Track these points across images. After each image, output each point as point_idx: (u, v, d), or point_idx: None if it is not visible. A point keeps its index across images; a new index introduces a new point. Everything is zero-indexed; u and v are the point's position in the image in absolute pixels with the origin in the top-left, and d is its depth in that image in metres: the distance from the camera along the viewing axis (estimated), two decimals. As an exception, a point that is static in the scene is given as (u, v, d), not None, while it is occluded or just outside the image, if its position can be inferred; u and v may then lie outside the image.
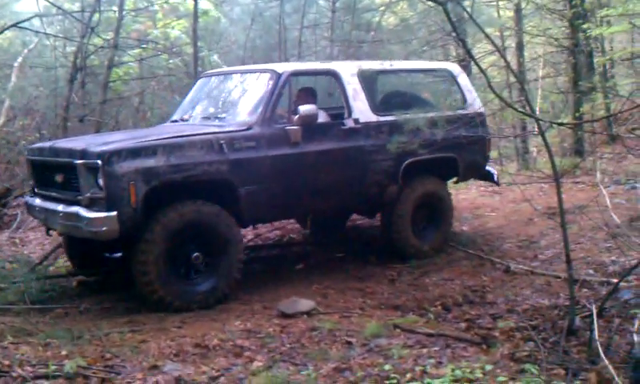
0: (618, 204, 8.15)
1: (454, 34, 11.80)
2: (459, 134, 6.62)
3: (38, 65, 13.56)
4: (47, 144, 6.72)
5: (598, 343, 3.92)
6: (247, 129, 6.08)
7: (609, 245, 6.60)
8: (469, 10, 5.66)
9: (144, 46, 12.80)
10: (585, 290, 5.46)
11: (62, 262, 7.03)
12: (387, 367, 4.07)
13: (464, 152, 7.17)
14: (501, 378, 3.82)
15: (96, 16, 10.65)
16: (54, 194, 6.03)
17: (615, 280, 5.18)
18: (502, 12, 17.56)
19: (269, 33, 12.51)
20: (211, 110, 7.06)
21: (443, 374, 3.92)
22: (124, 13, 11.05)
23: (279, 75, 6.36)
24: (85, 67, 11.05)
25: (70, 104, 11.32)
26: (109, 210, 5.31)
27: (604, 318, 4.77)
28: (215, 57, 13.02)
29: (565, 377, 3.85)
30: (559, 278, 5.92)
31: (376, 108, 6.90)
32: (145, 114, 13.27)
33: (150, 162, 5.47)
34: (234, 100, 6.88)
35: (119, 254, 6.56)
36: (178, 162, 5.59)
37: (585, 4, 12.64)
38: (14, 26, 9.48)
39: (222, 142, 5.83)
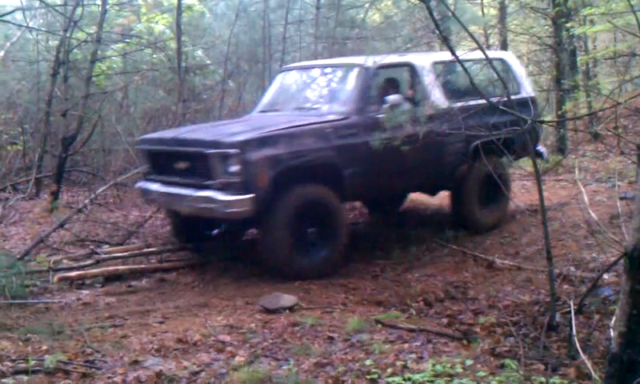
0: (600, 201, 8.24)
1: (437, 32, 11.86)
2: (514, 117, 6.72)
3: (21, 58, 13.44)
4: (169, 134, 7.59)
5: (576, 339, 3.96)
6: (345, 118, 6.80)
7: (589, 242, 6.66)
8: (452, 7, 5.70)
9: (127, 40, 12.72)
10: (566, 286, 5.50)
11: (44, 257, 6.97)
12: (368, 362, 4.08)
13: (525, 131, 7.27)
14: (481, 373, 3.84)
15: (79, 10, 10.57)
16: (176, 179, 6.75)
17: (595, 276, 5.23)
18: (485, 10, 17.63)
19: (253, 28, 12.50)
20: (302, 101, 7.68)
21: (424, 368, 3.93)
22: (107, 7, 10.95)
23: (368, 69, 7.08)
24: (67, 61, 10.95)
25: (52, 98, 11.23)
26: (244, 192, 6.05)
27: (584, 314, 4.81)
28: (199, 52, 12.97)
29: (544, 372, 3.88)
30: (541, 272, 5.96)
31: (447, 95, 7.49)
32: (128, 108, 13.19)
33: (275, 150, 6.21)
34: (325, 92, 7.62)
35: (217, 231, 7.68)
36: (297, 149, 6.35)
37: (568, 3, 12.71)
38: (-4, 19, 9.39)
39: (328, 130, 6.59)
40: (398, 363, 4.05)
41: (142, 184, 7.48)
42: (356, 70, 7.20)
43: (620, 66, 13.62)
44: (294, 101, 7.78)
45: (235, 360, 4.23)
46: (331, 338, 4.65)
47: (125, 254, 7.16)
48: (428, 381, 3.74)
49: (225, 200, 6.09)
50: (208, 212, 6.40)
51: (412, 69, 7.56)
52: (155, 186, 7.04)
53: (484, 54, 5.22)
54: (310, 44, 12.41)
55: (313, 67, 8.22)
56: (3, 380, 3.80)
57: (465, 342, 4.53)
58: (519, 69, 8.57)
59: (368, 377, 3.88)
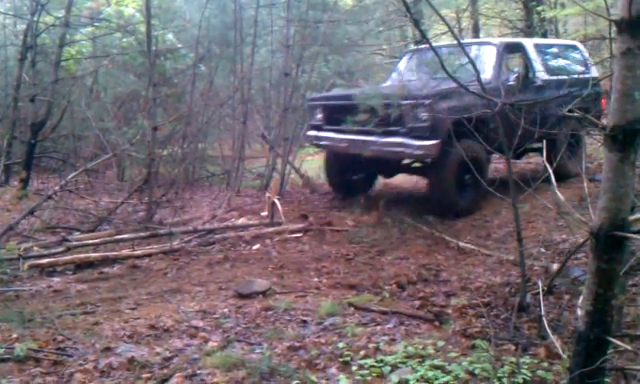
0: (570, 183, 8.36)
1: (409, 15, 11.84)
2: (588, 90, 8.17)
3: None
4: (353, 91, 8.92)
5: (545, 319, 4.01)
6: (488, 83, 7.62)
7: (560, 223, 6.75)
8: (424, -10, 5.74)
9: (96, 24, 12.51)
10: (536, 267, 5.58)
11: (14, 245, 6.87)
12: (341, 345, 4.11)
13: (591, 103, 9.01)
14: (452, 354, 3.89)
15: (47, -7, 10.36)
16: (356, 128, 8.18)
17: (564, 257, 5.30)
18: (458, -7, 17.66)
19: (224, 12, 12.33)
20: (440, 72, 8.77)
21: (396, 350, 3.96)
22: (75, -10, 10.77)
23: (499, 46, 8.95)
24: (35, 46, 10.76)
25: (20, 83, 11.03)
26: (431, 138, 7.49)
27: (554, 295, 4.89)
28: (170, 36, 12.79)
29: (515, 352, 3.93)
30: (507, 256, 6.04)
31: (546, 71, 9.26)
32: (98, 93, 13.00)
33: (452, 103, 7.37)
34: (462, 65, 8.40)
35: (359, 176, 9.53)
36: (463, 104, 7.27)
37: (539, -14, 12.83)
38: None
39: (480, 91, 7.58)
40: (371, 345, 4.09)
41: (313, 133, 9.25)
42: (491, 47, 8.98)
43: (590, 49, 13.76)
44: (427, 74, 8.84)
45: (208, 345, 4.23)
46: (304, 322, 4.67)
47: (96, 240, 7.09)
48: (400, 362, 3.78)
49: (415, 144, 7.58)
50: (396, 154, 7.99)
51: (523, 48, 9.36)
52: (329, 134, 8.86)
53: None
54: (282, 27, 12.29)
55: (439, 47, 9.27)
56: (-28, 369, 3.76)
57: (437, 323, 4.58)
58: (587, 54, 10.25)
59: (341, 359, 3.92)
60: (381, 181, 10.13)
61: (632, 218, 2.75)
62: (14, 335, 4.39)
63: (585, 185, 3.99)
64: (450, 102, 7.44)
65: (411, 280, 5.67)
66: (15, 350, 4.02)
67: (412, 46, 13.69)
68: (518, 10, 18.33)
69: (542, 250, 6.11)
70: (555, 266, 5.33)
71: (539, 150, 9.04)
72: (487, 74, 8.44)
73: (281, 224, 7.90)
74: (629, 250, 3.22)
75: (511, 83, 8.25)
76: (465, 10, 18.18)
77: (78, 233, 7.61)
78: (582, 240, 5.26)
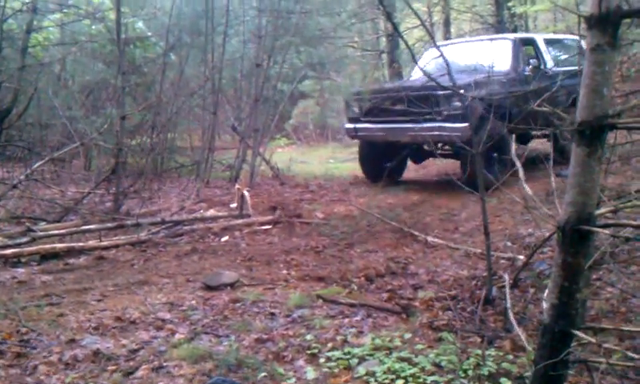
0: (536, 177, 8.45)
1: (381, 8, 11.87)
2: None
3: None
4: (389, 85, 11.01)
5: (511, 312, 4.06)
6: (507, 74, 9.31)
7: (526, 217, 6.83)
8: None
9: (65, 10, 12.29)
10: (502, 261, 5.64)
11: (-24, 235, 6.75)
12: (309, 337, 4.12)
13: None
14: (419, 346, 3.92)
15: (13, -23, 10.15)
16: (394, 117, 9.30)
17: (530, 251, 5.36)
18: (429, -13, 17.75)
19: (196, 0, 12.22)
20: (462, 66, 9.30)
21: (364, 343, 3.98)
22: (43, -25, 10.57)
23: (515, 41, 10.01)
24: (1, 32, 10.53)
25: (-16, 70, 10.80)
26: (464, 122, 8.35)
27: (520, 288, 4.94)
28: (140, 24, 12.63)
29: (480, 344, 3.97)
30: (474, 250, 6.09)
31: (554, 63, 10.13)
32: (66, 81, 12.79)
33: (480, 91, 7.58)
34: (482, 58, 8.96)
35: (391, 164, 10.16)
36: (489, 91, 7.74)
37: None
38: None
39: (503, 80, 8.87)
40: (339, 338, 4.11)
41: (351, 125, 10.14)
42: (507, 41, 10.02)
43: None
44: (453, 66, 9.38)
45: (175, 337, 4.20)
46: (272, 314, 4.66)
47: (62, 231, 6.98)
48: (367, 354, 3.80)
49: (451, 127, 8.49)
50: (434, 138, 8.77)
51: (534, 42, 10.41)
52: (367, 125, 9.84)
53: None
54: (254, 17, 12.22)
55: (461, 42, 10.77)
56: None
57: (404, 316, 4.60)
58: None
59: (308, 352, 3.92)
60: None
61: (598, 212, 2.79)
62: (-23, 326, 4.32)
63: (552, 179, 4.03)
64: (479, 91, 7.80)
65: (379, 273, 5.69)
66: (-22, 342, 3.96)
67: (382, 42, 13.75)
68: (488, 6, 18.48)
69: (509, 243, 6.18)
70: (521, 260, 5.39)
71: (546, 136, 9.72)
72: (506, 65, 9.42)
73: (250, 216, 7.88)
74: (593, 244, 3.27)
75: (527, 73, 9.40)
76: (436, 4, 18.27)
77: (43, 223, 7.49)
78: (547, 234, 5.34)
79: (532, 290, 4.90)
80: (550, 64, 10.09)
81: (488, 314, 4.57)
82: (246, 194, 8.05)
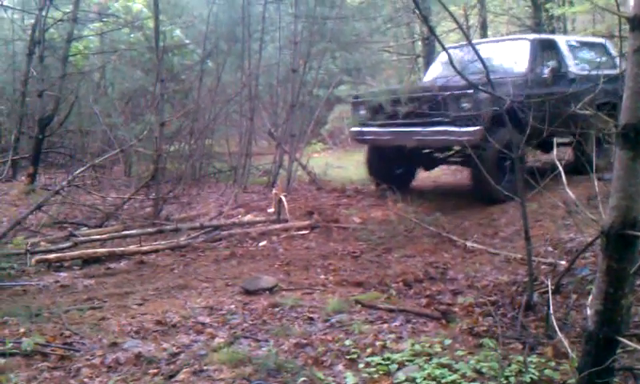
0: (576, 181, 8.31)
1: (417, 12, 11.82)
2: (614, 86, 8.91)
3: (-5, 38, 13.21)
4: (396, 87, 9.91)
5: (553, 318, 3.99)
6: (524, 76, 8.79)
7: (567, 222, 6.72)
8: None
9: (104, 19, 12.52)
10: (543, 266, 5.55)
11: (21, 240, 6.90)
12: (348, 342, 4.10)
13: (619, 99, 8.74)
14: (459, 352, 3.87)
15: (55, -13, 10.38)
16: (400, 121, 8.75)
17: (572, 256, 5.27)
18: (466, -10, 17.62)
19: (232, 7, 12.33)
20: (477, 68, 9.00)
21: (403, 348, 3.95)
22: (84, -15, 10.79)
23: (534, 41, 9.49)
24: (43, 41, 10.77)
25: (28, 78, 11.06)
26: (475, 125, 7.80)
27: (562, 294, 4.85)
28: (178, 31, 12.80)
29: (522, 351, 3.91)
30: (514, 256, 6.01)
31: (577, 66, 9.59)
32: (106, 89, 13.03)
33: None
34: (498, 60, 9.33)
35: (401, 170, 10.02)
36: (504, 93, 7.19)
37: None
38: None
39: (519, 83, 8.23)
40: (378, 343, 4.08)
41: (357, 128, 9.80)
42: (526, 42, 9.52)
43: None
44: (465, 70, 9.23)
45: (215, 341, 4.23)
46: (311, 319, 4.66)
47: (103, 236, 7.10)
48: (407, 360, 3.77)
49: (460, 131, 8.02)
50: (441, 142, 8.57)
51: (555, 44, 9.85)
52: (373, 129, 9.39)
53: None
54: (290, 23, 12.27)
55: (476, 43, 9.74)
56: (-20, 363, 3.77)
57: (443, 321, 4.55)
58: (613, 51, 10.52)
59: (347, 357, 3.90)
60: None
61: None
62: (22, 330, 4.40)
63: (595, 183, 3.96)
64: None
65: (418, 278, 5.65)
66: (23, 344, 4.03)
67: (418, 45, 13.74)
68: (526, 8, 18.28)
69: (550, 248, 6.08)
70: (563, 265, 5.31)
71: (569, 144, 9.43)
72: (522, 67, 9.02)
73: (287, 221, 7.90)
74: (638, 249, 3.21)
75: (545, 76, 8.89)
76: (473, 6, 18.13)
77: (85, 228, 7.63)
78: (590, 239, 5.24)
79: (574, 296, 4.81)
80: (572, 67, 9.58)
81: (529, 320, 4.50)
82: (283, 199, 8.09)
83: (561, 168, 4.11)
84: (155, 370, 3.79)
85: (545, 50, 9.70)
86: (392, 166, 9.96)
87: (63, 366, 3.88)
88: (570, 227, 6.58)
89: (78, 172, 8.90)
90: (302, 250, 6.93)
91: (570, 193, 3.87)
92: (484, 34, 19.05)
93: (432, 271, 5.85)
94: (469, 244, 6.63)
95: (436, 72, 10.28)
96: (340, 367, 3.80)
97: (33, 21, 11.33)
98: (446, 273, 5.84)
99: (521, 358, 3.66)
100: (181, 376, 3.71)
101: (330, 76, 14.18)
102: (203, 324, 4.57)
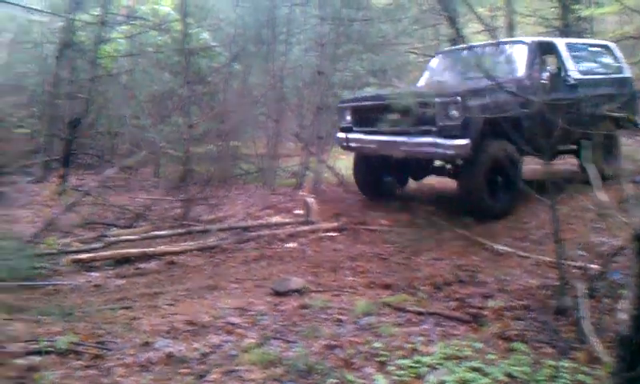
0: (607, 185, 8.22)
1: (444, 13, 11.78)
2: (621, 91, 9.26)
3: (26, 41, 13.40)
4: (382, 92, 9.14)
5: (584, 322, 3.96)
6: (520, 81, 8.13)
7: (598, 225, 6.65)
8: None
9: (132, 22, 12.66)
10: (574, 270, 5.50)
11: (53, 240, 7.00)
12: (377, 344, 4.10)
13: (625, 105, 9.17)
14: (490, 356, 3.86)
15: (84, -9, 10.52)
16: (386, 129, 7.91)
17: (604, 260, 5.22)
18: (493, -9, 17.50)
19: (258, 10, 12.40)
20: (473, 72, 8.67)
21: (433, 351, 3.94)
22: (112, -12, 10.92)
23: (531, 45, 8.78)
24: (72, 43, 10.92)
25: (58, 81, 11.21)
26: (463, 137, 7.26)
27: (594, 298, 4.81)
28: (205, 34, 12.90)
29: (554, 355, 3.89)
30: (545, 259, 5.96)
31: (579, 70, 9.17)
32: (134, 91, 13.16)
33: (484, 101, 7.32)
34: (494, 64, 8.55)
35: (390, 178, 9.44)
36: (496, 101, 7.37)
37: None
38: (1, 1, 9.36)
39: (513, 89, 7.52)
40: (407, 346, 4.07)
41: (343, 135, 9.08)
42: (523, 46, 8.81)
43: (627, 48, 13.54)
44: (458, 75, 9.09)
45: (245, 342, 4.25)
46: (340, 321, 4.66)
47: (134, 237, 7.18)
48: (437, 363, 3.76)
49: (446, 143, 7.36)
50: (427, 154, 7.87)
51: (555, 47, 9.23)
52: (359, 136, 8.75)
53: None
54: (316, 25, 12.31)
55: (471, 47, 9.60)
56: (16, 360, 3.82)
57: (474, 325, 4.54)
58: (620, 54, 10.21)
59: (377, 359, 3.90)
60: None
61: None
62: (55, 328, 4.45)
63: (625, 187, 3.92)
64: (483, 100, 7.40)
65: (447, 281, 5.63)
66: (57, 343, 4.08)
67: (444, 46, 13.72)
68: (553, 9, 18.09)
69: (581, 252, 6.02)
70: (594, 269, 5.25)
71: (573, 152, 9.14)
72: (519, 72, 8.45)
73: (315, 223, 7.92)
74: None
75: (544, 82, 8.22)
76: (500, 8, 18.00)
77: (115, 229, 7.73)
78: (622, 243, 5.19)
79: (606, 300, 4.76)
80: (573, 72, 9.05)
81: (560, 324, 4.47)
82: (311, 200, 8.11)
83: (591, 172, 4.06)
84: (186, 370, 3.82)
85: (544, 54, 9.30)
86: (380, 175, 9.42)
87: (96, 364, 3.92)
88: (600, 230, 6.51)
89: (108, 173, 9.01)
90: (330, 251, 6.94)
91: (604, 196, 3.83)
92: (511, 36, 18.91)
93: (461, 274, 5.83)
94: (499, 247, 6.58)
95: (430, 76, 9.91)
96: (370, 369, 3.80)
97: (62, 24, 11.48)
98: (476, 276, 5.81)
99: (553, 363, 3.64)
100: (212, 376, 3.74)
101: (356, 77, 14.16)
102: (233, 324, 4.59)
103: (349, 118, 9.00)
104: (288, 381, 3.61)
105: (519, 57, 8.68)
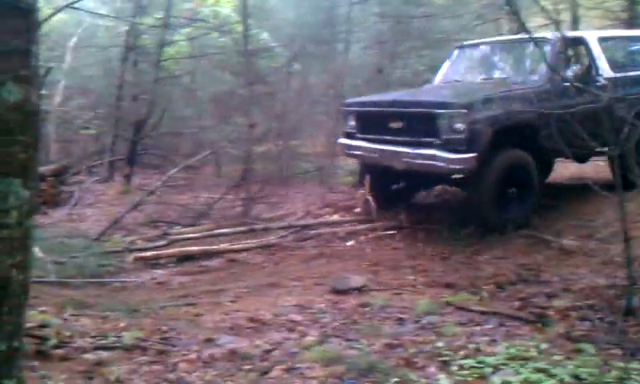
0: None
1: (507, 8, 11.55)
2: None
3: (92, 45, 13.79)
4: (386, 97, 8.32)
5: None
6: (541, 86, 7.40)
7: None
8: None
9: (194, 24, 12.87)
10: (643, 269, 5.32)
11: (119, 238, 7.20)
12: (440, 344, 4.04)
13: None
14: (556, 357, 3.76)
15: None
16: (388, 138, 7.44)
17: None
18: (557, -15, 17.06)
19: (318, 9, 12.43)
20: (489, 72, 8.30)
21: (497, 351, 3.87)
22: (174, -8, 11.14)
23: (554, 42, 7.62)
24: (136, 47, 11.19)
25: (123, 83, 11.50)
26: (468, 151, 6.66)
27: (664, 299, 4.64)
28: (265, 34, 13.02)
29: (622, 357, 3.77)
30: (612, 258, 5.78)
31: (612, 66, 8.08)
32: (195, 92, 13.39)
33: (494, 111, 6.79)
34: (512, 63, 8.21)
35: (402, 185, 8.44)
36: (508, 111, 6.86)
37: (643, -25, 12.22)
38: (68, 6, 9.65)
39: (531, 95, 7.19)
40: (470, 346, 4.00)
41: (346, 141, 8.31)
42: (542, 44, 7.57)
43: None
44: (477, 73, 8.42)
45: (306, 339, 4.26)
46: (401, 320, 4.64)
47: (196, 235, 7.32)
48: (502, 364, 3.68)
49: (449, 157, 6.73)
50: (429, 168, 7.08)
51: (585, 43, 8.18)
52: (362, 144, 7.92)
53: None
54: (376, 23, 12.26)
55: (490, 43, 8.91)
56: (84, 355, 3.93)
57: (539, 325, 4.44)
58: None
59: (439, 359, 3.85)
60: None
61: None
62: (121, 324, 4.55)
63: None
64: (491, 110, 6.83)
65: (510, 280, 5.53)
66: (123, 338, 4.18)
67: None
68: (620, 1, 17.53)
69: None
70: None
71: (606, 154, 8.37)
72: (539, 74, 7.62)
73: (374, 221, 7.89)
74: None
75: (567, 84, 7.18)
76: (564, 1, 17.55)
77: (178, 227, 7.88)
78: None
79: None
80: (605, 71, 7.98)
81: (629, 324, 4.32)
82: (370, 199, 8.08)
83: None
84: (249, 366, 3.85)
85: (572, 51, 8.30)
86: (389, 182, 8.44)
87: (161, 360, 3.99)
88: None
89: (171, 173, 9.20)
90: (390, 250, 6.92)
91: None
92: (576, 30, 18.42)
93: (525, 273, 5.71)
94: (565, 242, 6.40)
95: (447, 74, 8.97)
96: (432, 369, 3.75)
97: (126, 28, 11.77)
98: (540, 275, 5.68)
99: (622, 365, 3.52)
100: (274, 373, 3.76)
101: (416, 75, 14.03)
102: (294, 322, 4.62)
103: (352, 123, 8.25)
104: (349, 379, 3.61)
105: (540, 56, 7.62)
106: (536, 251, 6.45)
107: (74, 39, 13.36)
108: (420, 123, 7.08)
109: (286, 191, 10.25)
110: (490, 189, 6.94)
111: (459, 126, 6.69)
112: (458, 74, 8.65)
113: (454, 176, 7.16)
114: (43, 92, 11.69)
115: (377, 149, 7.67)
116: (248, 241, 7.27)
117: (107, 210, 8.84)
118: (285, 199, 9.67)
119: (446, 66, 9.02)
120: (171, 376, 3.81)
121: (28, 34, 2.81)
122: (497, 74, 8.03)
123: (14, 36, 2.77)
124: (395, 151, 7.36)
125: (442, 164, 6.80)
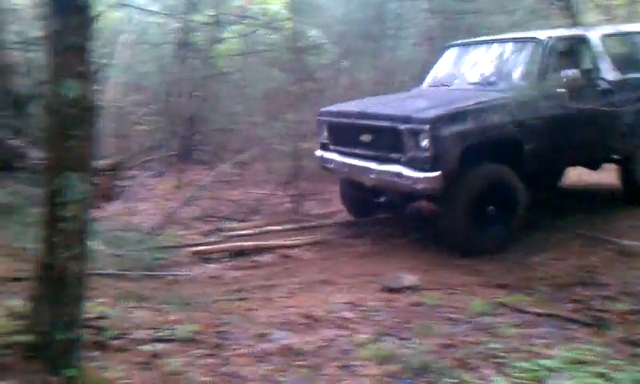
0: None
1: (561, 3, 11.31)
2: None
3: (145, 42, 14.02)
4: (355, 108, 7.48)
5: None
6: (526, 94, 6.66)
7: None
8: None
9: (244, 21, 12.98)
10: None
11: (172, 232, 7.31)
12: (494, 345, 4.01)
13: None
14: (615, 362, 3.69)
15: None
16: (359, 152, 6.98)
17: None
18: (612, -21, 16.64)
19: (367, 6, 12.39)
20: (475, 76, 7.61)
21: (554, 354, 3.82)
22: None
23: (544, 43, 7.01)
24: (188, 44, 11.34)
25: (175, 80, 11.67)
26: (432, 169, 6.15)
27: None
28: (314, 31, 13.05)
29: (685, 363, 3.68)
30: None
31: (617, 67, 7.43)
32: (244, 88, 13.49)
33: (464, 126, 6.23)
34: (500, 67, 7.42)
35: (382, 199, 7.78)
36: (482, 125, 6.34)
37: None
38: (122, 4, 9.84)
39: (511, 105, 6.52)
40: (525, 348, 3.97)
41: (320, 153, 7.84)
42: (532, 44, 7.17)
43: None
44: (466, 76, 7.78)
45: (359, 337, 4.27)
46: (454, 320, 4.60)
47: (248, 230, 7.40)
48: (558, 367, 3.64)
49: (414, 176, 6.25)
50: (395, 186, 6.63)
51: (586, 42, 7.45)
52: (334, 156, 7.46)
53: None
54: (425, 19, 12.15)
55: (482, 43, 8.06)
56: (141, 347, 4.01)
57: (596, 328, 4.36)
58: None
59: (494, 360, 3.82)
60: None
61: None
62: (176, 317, 4.62)
63: None
64: (462, 124, 6.28)
65: (566, 282, 5.43)
66: (177, 331, 4.25)
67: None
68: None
69: None
70: None
71: (616, 160, 7.89)
72: (522, 80, 7.00)
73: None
74: None
75: (562, 90, 6.71)
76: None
77: (230, 222, 7.97)
78: None
79: None
80: (609, 73, 7.34)
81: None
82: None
83: None
84: (302, 362, 3.88)
85: (570, 51, 7.41)
86: (369, 196, 7.84)
87: (216, 353, 4.04)
88: None
89: (222, 169, 9.29)
90: (443, 248, 6.85)
91: None
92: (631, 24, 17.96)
93: (581, 275, 5.60)
94: (626, 243, 6.24)
95: (436, 75, 8.37)
96: (487, 370, 3.72)
97: (178, 25, 11.93)
98: (596, 277, 5.57)
99: (685, 371, 3.44)
100: (327, 370, 3.78)
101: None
102: (346, 319, 4.63)
103: (325, 133, 7.78)
104: (404, 378, 3.61)
105: (526, 59, 7.17)
106: (593, 253, 6.31)
107: (125, 36, 13.59)
108: (386, 138, 6.61)
109: (336, 188, 10.25)
110: (462, 208, 6.34)
111: (424, 142, 6.20)
112: (446, 78, 8.02)
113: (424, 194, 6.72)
114: (97, 88, 11.99)
115: (347, 163, 7.24)
116: (299, 237, 7.30)
117: (161, 205, 8.99)
118: (334, 196, 9.67)
119: (435, 69, 8.44)
120: (225, 370, 3.86)
121: (83, 31, 2.87)
122: (486, 79, 7.40)
123: (72, 33, 2.83)
124: (364, 167, 6.88)
125: (407, 182, 6.34)
